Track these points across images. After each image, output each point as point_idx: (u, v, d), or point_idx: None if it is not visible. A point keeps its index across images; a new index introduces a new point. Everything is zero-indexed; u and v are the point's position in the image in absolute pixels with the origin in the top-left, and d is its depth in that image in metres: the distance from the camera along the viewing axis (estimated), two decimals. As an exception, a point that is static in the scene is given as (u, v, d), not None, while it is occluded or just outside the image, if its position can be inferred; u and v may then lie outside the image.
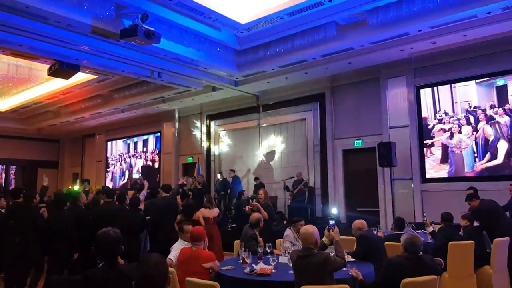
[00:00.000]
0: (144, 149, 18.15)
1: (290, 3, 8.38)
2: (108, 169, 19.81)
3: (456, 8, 7.70)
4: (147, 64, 10.50)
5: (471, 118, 9.63)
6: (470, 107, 9.70)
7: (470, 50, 9.40)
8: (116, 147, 19.64)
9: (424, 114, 10.36)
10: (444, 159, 9.99)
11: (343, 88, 12.16)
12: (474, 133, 9.55)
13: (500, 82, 9.37)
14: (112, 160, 19.75)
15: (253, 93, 13.38)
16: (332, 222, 4.99)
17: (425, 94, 10.39)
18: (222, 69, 10.84)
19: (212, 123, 15.61)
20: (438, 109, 10.20)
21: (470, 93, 9.76)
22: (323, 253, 3.62)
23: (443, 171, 9.95)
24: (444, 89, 10.16)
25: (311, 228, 3.67)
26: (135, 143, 18.65)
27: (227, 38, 9.80)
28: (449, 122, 9.94)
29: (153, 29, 7.86)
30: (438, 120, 10.12)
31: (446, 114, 10.03)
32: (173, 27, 8.80)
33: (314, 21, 8.87)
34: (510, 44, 8.94)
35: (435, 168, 10.08)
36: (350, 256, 4.54)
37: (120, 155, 19.36)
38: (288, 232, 5.49)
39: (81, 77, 12.40)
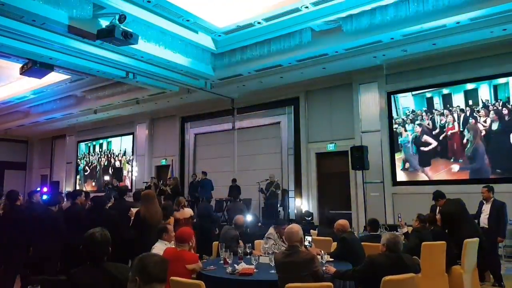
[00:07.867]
0: (116, 151, 17.91)
1: (267, 9, 8.52)
2: (78, 171, 19.45)
3: (427, 18, 8.03)
4: (123, 65, 10.40)
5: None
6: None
7: (439, 57, 9.76)
8: (86, 148, 19.30)
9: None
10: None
11: (317, 93, 12.41)
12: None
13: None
14: (82, 161, 19.40)
15: (228, 96, 13.44)
16: (309, 238, 5.11)
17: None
18: (198, 72, 10.85)
19: (187, 125, 15.57)
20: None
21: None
22: (310, 252, 3.72)
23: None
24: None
25: (296, 227, 3.77)
26: (107, 144, 18.39)
27: (204, 41, 9.85)
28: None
29: (131, 30, 7.83)
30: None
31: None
32: (150, 28, 8.78)
33: (290, 27, 9.06)
34: (477, 52, 9.35)
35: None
36: (329, 256, 4.65)
37: (91, 156, 19.03)
38: (272, 231, 5.48)
39: (54, 76, 12.15)
